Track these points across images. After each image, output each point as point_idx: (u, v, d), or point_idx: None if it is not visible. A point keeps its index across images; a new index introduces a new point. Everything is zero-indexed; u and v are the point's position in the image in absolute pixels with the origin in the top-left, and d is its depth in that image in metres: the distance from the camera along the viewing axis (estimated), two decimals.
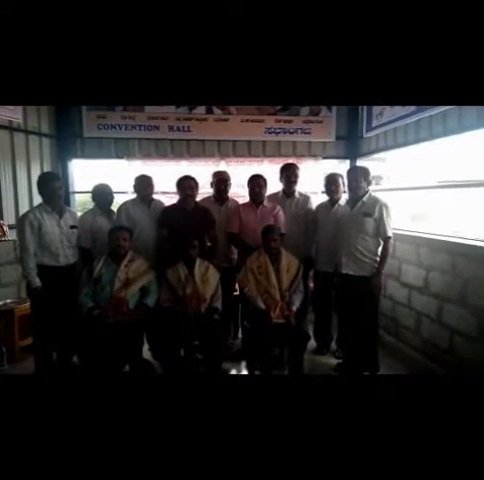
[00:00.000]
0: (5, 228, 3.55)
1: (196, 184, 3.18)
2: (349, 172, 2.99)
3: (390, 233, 2.77)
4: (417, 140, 3.65)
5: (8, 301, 3.41)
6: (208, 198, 3.49)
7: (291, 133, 4.75)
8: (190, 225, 2.96)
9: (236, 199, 3.56)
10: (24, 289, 3.45)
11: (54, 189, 2.78)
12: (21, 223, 2.71)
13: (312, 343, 3.23)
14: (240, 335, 3.47)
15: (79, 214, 3.21)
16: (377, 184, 4.88)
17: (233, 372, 3.05)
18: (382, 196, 2.91)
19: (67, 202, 4.26)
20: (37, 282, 2.66)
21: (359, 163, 4.72)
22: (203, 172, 4.05)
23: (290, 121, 4.72)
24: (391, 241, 2.81)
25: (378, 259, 2.82)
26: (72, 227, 2.89)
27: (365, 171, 2.89)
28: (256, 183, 3.24)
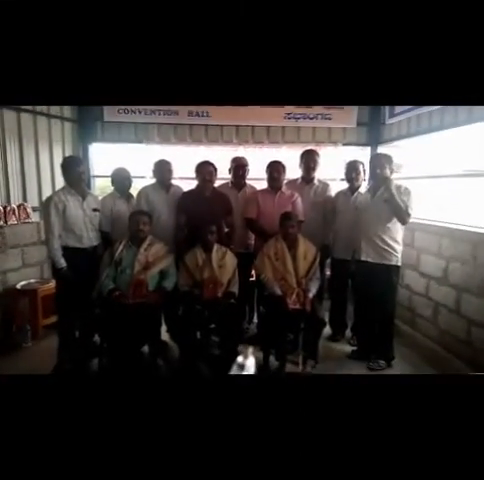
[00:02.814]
0: (29, 210, 3.65)
1: (215, 170, 3.18)
2: (373, 159, 2.96)
3: (411, 212, 2.72)
4: (441, 127, 3.55)
5: (32, 281, 3.53)
6: (226, 184, 3.50)
7: (311, 119, 4.68)
8: (208, 211, 2.99)
9: (254, 185, 3.56)
10: (47, 270, 3.58)
11: (78, 173, 2.84)
12: (46, 205, 2.78)
13: (327, 330, 3.25)
14: (255, 320, 3.52)
15: (99, 198, 3.27)
16: (396, 172, 4.79)
17: (248, 356, 3.10)
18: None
19: (88, 186, 4.33)
20: (62, 263, 2.74)
21: (380, 150, 4.62)
22: (222, 157, 4.04)
23: (310, 106, 4.63)
24: (409, 220, 2.77)
25: (398, 247, 2.80)
26: (94, 210, 2.95)
27: (389, 158, 2.85)
28: (274, 169, 3.22)
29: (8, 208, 3.44)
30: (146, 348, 2.89)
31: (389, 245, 2.79)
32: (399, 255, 2.84)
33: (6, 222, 3.38)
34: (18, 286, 3.40)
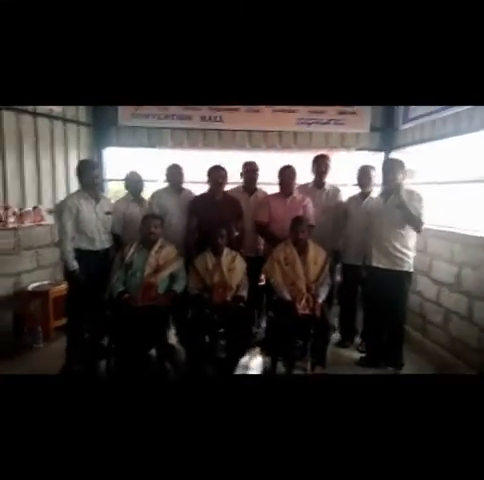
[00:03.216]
0: (43, 213, 3.72)
1: (226, 174, 3.20)
2: (385, 164, 2.94)
3: (423, 220, 2.69)
4: (456, 132, 3.51)
5: (44, 283, 3.58)
6: (237, 188, 3.51)
7: (323, 124, 4.67)
8: (219, 214, 3.00)
9: (265, 190, 3.56)
10: (60, 271, 3.63)
11: (93, 177, 2.88)
12: (60, 209, 2.83)
13: (336, 336, 3.22)
14: (264, 324, 3.51)
15: (112, 201, 3.32)
16: (410, 178, 4.74)
17: (255, 360, 3.09)
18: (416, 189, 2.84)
19: (101, 189, 4.40)
20: (75, 265, 2.78)
21: (393, 156, 4.58)
22: (233, 162, 4.06)
23: (323, 111, 4.63)
24: (422, 227, 2.73)
25: (410, 253, 2.77)
26: (107, 213, 2.99)
27: (401, 164, 2.83)
28: (286, 174, 3.22)
29: (23, 210, 3.51)
30: (154, 351, 2.90)
31: (401, 251, 2.76)
32: (411, 261, 2.81)
33: (21, 224, 3.45)
34: (30, 288, 3.45)
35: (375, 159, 4.57)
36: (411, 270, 2.83)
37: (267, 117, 4.61)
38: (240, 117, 4.60)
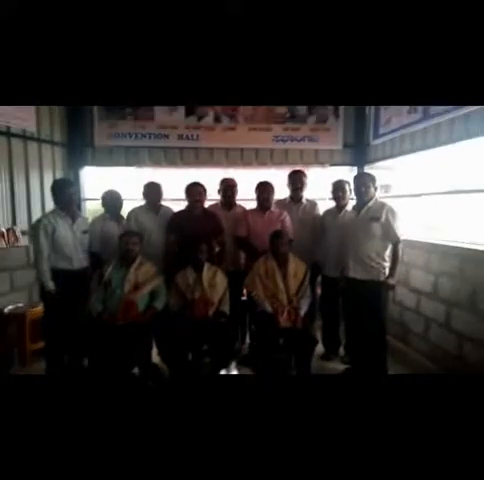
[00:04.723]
0: (18, 234, 3.63)
1: (204, 190, 3.23)
2: (356, 178, 3.02)
3: (400, 236, 2.78)
4: (424, 147, 3.67)
5: (20, 305, 3.47)
6: (216, 204, 3.54)
7: (298, 141, 4.80)
8: (198, 230, 3.01)
9: (243, 205, 3.60)
10: (36, 293, 3.52)
11: (69, 195, 2.85)
12: (36, 227, 2.78)
13: (320, 348, 3.23)
14: (248, 340, 3.49)
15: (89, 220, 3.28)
16: (386, 192, 4.90)
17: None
18: (392, 203, 2.93)
19: (79, 208, 4.34)
20: (51, 285, 2.72)
21: (367, 170, 4.74)
22: (211, 179, 4.10)
23: (297, 129, 4.77)
24: (401, 245, 2.82)
25: (385, 264, 2.83)
26: (84, 232, 2.95)
27: (372, 177, 2.92)
28: (264, 189, 3.28)
29: None
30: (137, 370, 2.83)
31: (376, 261, 2.82)
32: (386, 271, 2.87)
33: None
34: (6, 310, 3.33)
35: (351, 174, 4.70)
36: (393, 282, 2.89)
37: (243, 135, 4.70)
38: (217, 135, 4.68)
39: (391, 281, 2.82)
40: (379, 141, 4.49)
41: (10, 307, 3.39)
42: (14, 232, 3.60)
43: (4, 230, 3.51)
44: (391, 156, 4.30)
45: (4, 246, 3.44)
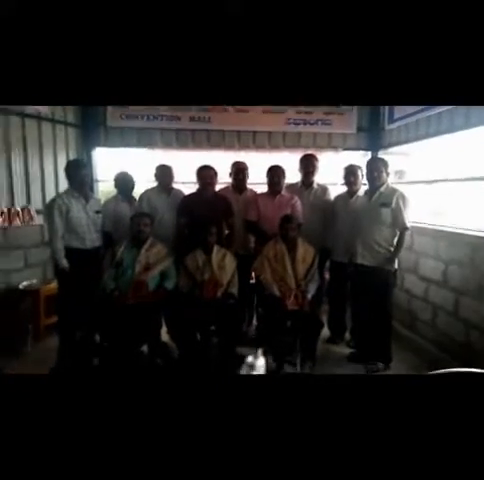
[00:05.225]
0: (32, 213, 3.70)
1: (215, 173, 3.25)
2: (369, 163, 2.99)
3: (408, 224, 2.77)
4: (439, 132, 3.60)
5: (34, 281, 3.57)
6: (227, 188, 3.55)
7: (311, 124, 4.73)
8: (209, 213, 3.04)
9: (255, 189, 3.60)
10: (50, 270, 3.62)
11: (82, 176, 2.90)
12: (50, 207, 2.84)
13: (326, 332, 3.27)
14: (255, 322, 3.54)
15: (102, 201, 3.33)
16: (400, 178, 4.83)
17: (246, 358, 3.11)
18: (403, 189, 2.90)
19: (91, 190, 4.39)
20: (65, 263, 2.79)
21: (381, 156, 4.66)
22: (223, 162, 4.10)
23: (311, 112, 4.69)
24: (408, 232, 2.81)
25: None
26: (97, 212, 3.00)
27: (384, 162, 2.89)
28: (274, 173, 3.27)
29: (12, 210, 3.50)
30: (146, 348, 2.91)
31: (384, 248, 2.82)
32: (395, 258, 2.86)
33: (10, 224, 3.43)
34: (21, 286, 3.44)
35: (364, 159, 4.64)
36: (395, 267, 2.90)
37: (256, 117, 4.65)
38: (229, 118, 4.64)
39: (388, 267, 2.81)
40: (394, 126, 4.41)
41: (25, 283, 3.49)
42: (29, 211, 3.67)
43: (19, 209, 3.58)
44: (406, 141, 4.22)
45: (19, 225, 3.52)
